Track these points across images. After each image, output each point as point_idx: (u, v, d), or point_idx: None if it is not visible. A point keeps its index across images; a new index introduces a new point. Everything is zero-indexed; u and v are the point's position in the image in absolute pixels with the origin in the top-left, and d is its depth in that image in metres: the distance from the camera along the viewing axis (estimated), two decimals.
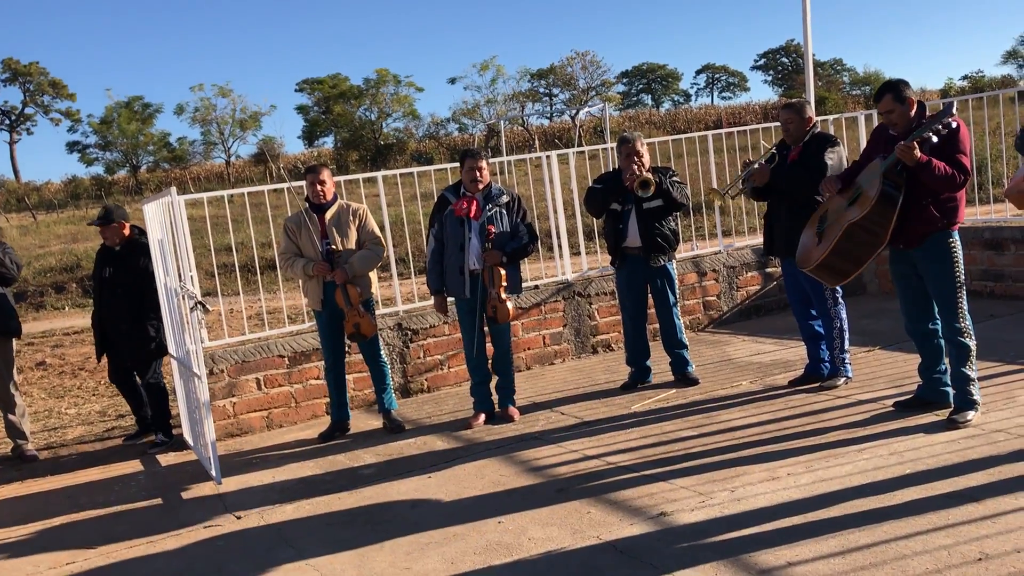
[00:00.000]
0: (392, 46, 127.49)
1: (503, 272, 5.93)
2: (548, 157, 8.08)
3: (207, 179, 54.73)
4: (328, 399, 6.56)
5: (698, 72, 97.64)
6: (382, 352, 6.48)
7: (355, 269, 6.09)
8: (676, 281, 6.59)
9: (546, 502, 4.52)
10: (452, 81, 79.82)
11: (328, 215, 6.18)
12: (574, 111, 59.80)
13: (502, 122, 51.81)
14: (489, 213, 5.99)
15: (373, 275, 6.35)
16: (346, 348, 6.53)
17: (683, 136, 9.06)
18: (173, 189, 5.47)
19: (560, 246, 7.99)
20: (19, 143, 72.98)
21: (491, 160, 8.68)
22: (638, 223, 6.30)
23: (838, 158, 5.68)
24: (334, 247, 6.07)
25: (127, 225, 6.69)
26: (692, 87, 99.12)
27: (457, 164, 6.33)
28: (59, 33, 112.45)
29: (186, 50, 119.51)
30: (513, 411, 6.18)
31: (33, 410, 8.69)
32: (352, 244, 6.17)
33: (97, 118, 60.68)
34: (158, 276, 6.23)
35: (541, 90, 62.69)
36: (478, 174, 6.02)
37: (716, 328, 8.41)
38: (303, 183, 6.34)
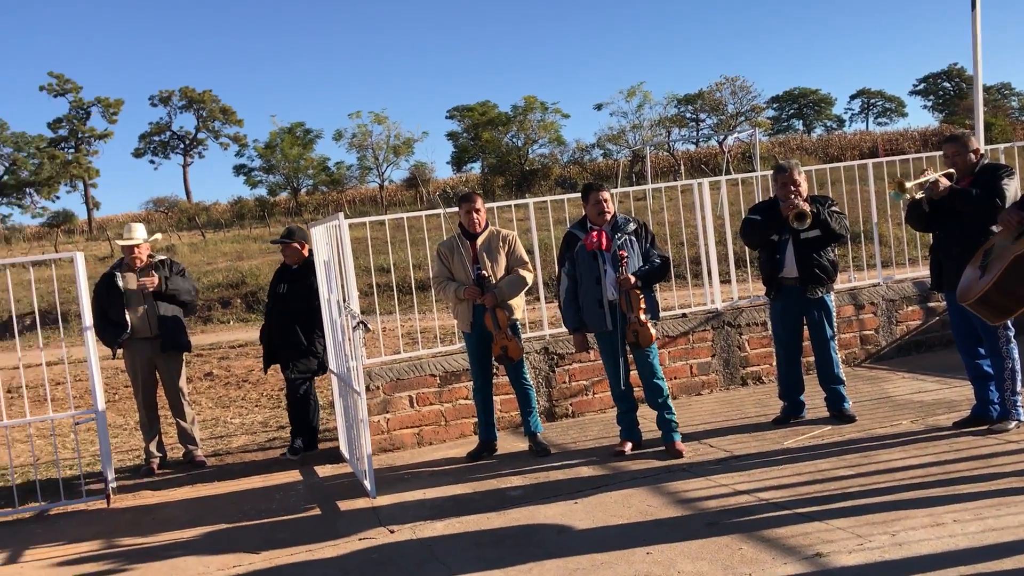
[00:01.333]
0: (540, 73, 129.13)
1: (640, 295, 5.91)
2: (699, 184, 8.01)
3: (361, 202, 56.96)
4: (476, 419, 6.69)
5: (852, 97, 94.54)
6: (528, 375, 6.57)
7: (504, 293, 6.22)
8: (834, 313, 6.39)
9: (695, 535, 4.46)
10: (598, 107, 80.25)
11: (479, 241, 6.35)
12: (722, 136, 58.90)
13: (647, 148, 51.55)
14: (619, 242, 5.99)
15: (520, 299, 6.46)
16: (493, 370, 6.66)
17: (840, 164, 8.81)
18: (340, 214, 5.76)
19: (710, 274, 7.90)
20: (191, 166, 78.07)
21: (636, 187, 8.70)
22: (795, 253, 6.16)
23: (1014, 187, 5.39)
24: (484, 272, 6.23)
25: (306, 246, 7.08)
26: (846, 112, 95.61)
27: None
28: (230, 62, 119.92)
29: (345, 78, 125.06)
30: (680, 445, 5.96)
31: (201, 418, 9.26)
32: (501, 269, 6.31)
33: (262, 143, 64.39)
34: (322, 295, 6.55)
35: (688, 115, 62.12)
36: (604, 206, 6.04)
37: (873, 364, 8.08)
38: (456, 209, 6.53)
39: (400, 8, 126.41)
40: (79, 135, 68.74)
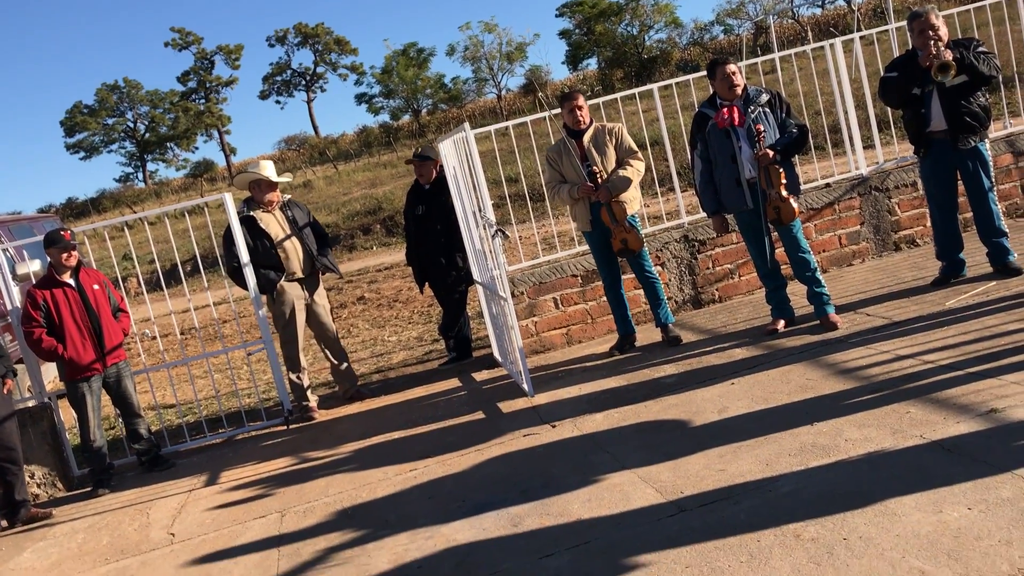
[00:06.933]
0: None
1: (781, 170, 5.70)
2: (831, 46, 7.60)
3: (481, 115, 56.83)
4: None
5: None
6: (651, 267, 6.46)
7: (617, 187, 6.13)
8: (990, 163, 6.02)
9: (860, 404, 4.40)
10: None
11: (586, 138, 6.26)
12: None
13: (770, 17, 49.04)
14: (753, 116, 5.76)
15: (636, 191, 6.35)
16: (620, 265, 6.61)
17: (986, 2, 8.11)
18: (466, 125, 5.79)
19: (851, 139, 7.55)
20: (315, 101, 79.80)
21: (763, 58, 8.29)
22: (941, 104, 5.80)
23: None
24: (595, 168, 6.15)
25: (439, 163, 7.18)
26: None
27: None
28: None
29: None
30: (835, 317, 5.81)
31: (360, 339, 9.70)
32: (612, 163, 6.22)
33: (379, 69, 64.96)
34: (457, 208, 6.67)
35: None
36: (733, 79, 5.77)
37: None
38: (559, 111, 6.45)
39: None
40: (207, 85, 71.21)
